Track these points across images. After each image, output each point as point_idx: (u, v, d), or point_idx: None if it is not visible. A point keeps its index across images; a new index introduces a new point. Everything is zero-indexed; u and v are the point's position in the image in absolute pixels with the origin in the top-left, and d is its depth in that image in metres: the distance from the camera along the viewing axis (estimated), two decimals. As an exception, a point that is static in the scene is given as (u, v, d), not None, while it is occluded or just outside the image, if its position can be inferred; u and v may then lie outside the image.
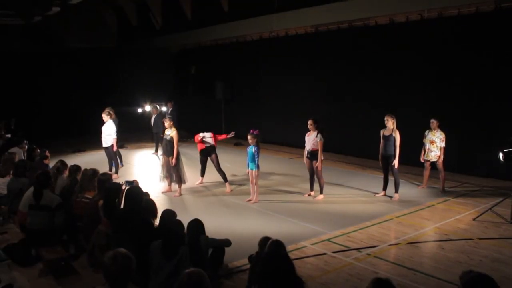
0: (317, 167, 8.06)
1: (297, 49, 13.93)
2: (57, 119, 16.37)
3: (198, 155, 9.34)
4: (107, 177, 5.62)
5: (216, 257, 4.92)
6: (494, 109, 9.53)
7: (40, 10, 14.07)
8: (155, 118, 13.25)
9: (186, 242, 4.24)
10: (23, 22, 15.56)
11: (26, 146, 8.85)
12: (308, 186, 8.57)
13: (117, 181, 5.91)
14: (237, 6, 15.61)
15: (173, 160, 8.39)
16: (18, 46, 16.87)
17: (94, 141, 12.23)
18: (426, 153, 8.61)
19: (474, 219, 6.97)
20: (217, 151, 9.22)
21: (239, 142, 14.87)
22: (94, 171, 5.70)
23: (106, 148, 10.12)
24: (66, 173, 6.45)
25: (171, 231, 4.04)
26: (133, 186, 5.46)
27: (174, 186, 8.74)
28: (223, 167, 9.23)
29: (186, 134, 15.43)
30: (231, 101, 16.32)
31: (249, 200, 8.14)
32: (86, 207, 5.27)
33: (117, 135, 10.08)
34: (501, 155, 6.81)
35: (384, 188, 8.45)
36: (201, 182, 9.48)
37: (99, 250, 4.40)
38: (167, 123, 8.66)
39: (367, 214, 7.38)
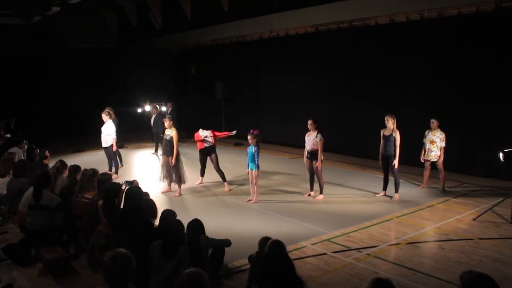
0: (317, 167, 8.06)
1: (297, 49, 13.92)
2: (57, 119, 16.37)
3: (198, 154, 9.33)
4: (107, 177, 5.62)
5: (216, 257, 4.92)
6: (494, 109, 9.53)
7: (40, 10, 14.08)
8: (155, 118, 13.25)
9: (186, 242, 4.23)
10: (23, 22, 15.57)
11: (26, 146, 8.85)
12: (308, 186, 8.57)
13: (117, 181, 5.91)
14: (237, 6, 15.61)
15: (173, 160, 8.39)
16: (18, 46, 16.87)
17: (94, 141, 12.23)
18: (426, 153, 8.60)
19: (474, 219, 6.97)
20: (217, 151, 9.22)
21: (239, 142, 14.87)
22: (93, 171, 5.70)
23: (105, 148, 10.11)
24: (66, 173, 6.45)
25: (171, 231, 4.04)
26: (133, 186, 5.46)
27: (174, 186, 8.73)
28: (223, 167, 9.22)
29: (186, 134, 15.42)
30: (231, 101, 16.32)
31: (249, 200, 8.14)
32: (85, 207, 5.27)
33: (116, 135, 10.08)
34: (501, 155, 6.80)
35: (384, 188, 8.44)
36: (201, 182, 9.47)
37: (99, 250, 4.40)
38: (167, 123, 8.66)
39: (367, 214, 7.37)
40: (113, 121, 10.24)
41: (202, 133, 9.02)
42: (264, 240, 4.01)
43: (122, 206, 4.85)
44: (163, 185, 8.98)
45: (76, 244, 5.21)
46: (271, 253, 3.61)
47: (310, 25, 13.37)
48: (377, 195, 8.49)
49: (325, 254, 5.66)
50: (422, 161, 8.73)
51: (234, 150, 13.85)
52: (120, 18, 21.58)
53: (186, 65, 18.88)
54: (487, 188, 8.96)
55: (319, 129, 8.05)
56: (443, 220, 7.00)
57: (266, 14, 14.39)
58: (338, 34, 12.68)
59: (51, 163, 7.46)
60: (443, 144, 8.43)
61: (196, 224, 4.80)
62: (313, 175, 8.35)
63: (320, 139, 7.97)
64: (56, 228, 5.23)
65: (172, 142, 8.40)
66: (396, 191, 8.22)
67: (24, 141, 9.13)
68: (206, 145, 9.05)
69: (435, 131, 8.47)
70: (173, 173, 8.60)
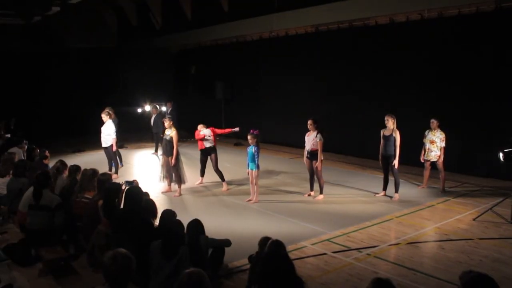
0: (317, 167, 8.06)
1: (297, 49, 13.92)
2: (57, 119, 16.36)
3: (198, 154, 9.33)
4: (106, 177, 5.62)
5: (216, 257, 4.92)
6: (494, 109, 9.53)
7: (40, 10, 14.08)
8: (155, 118, 13.25)
9: (186, 242, 4.23)
10: (23, 22, 15.56)
11: (26, 146, 8.85)
12: (308, 186, 8.56)
13: (117, 181, 5.91)
14: (237, 6, 15.60)
15: (173, 160, 8.39)
16: (18, 46, 16.87)
17: (94, 141, 12.22)
18: (426, 153, 8.60)
19: (474, 219, 6.97)
20: (217, 151, 9.21)
21: (239, 142, 14.87)
22: (93, 171, 5.70)
23: (105, 148, 10.11)
24: (66, 173, 6.45)
25: (171, 231, 4.04)
26: (133, 186, 5.46)
27: (174, 186, 8.73)
28: (223, 167, 9.22)
29: (186, 134, 15.42)
30: (231, 101, 16.32)
31: (249, 200, 8.14)
32: (85, 207, 5.27)
33: (116, 135, 10.07)
34: (501, 155, 6.80)
35: (384, 188, 8.44)
36: (201, 182, 9.47)
37: (99, 250, 4.39)
38: (167, 123, 8.66)
39: (367, 214, 7.37)
40: (113, 121, 10.24)
41: (203, 131, 9.00)
42: (264, 240, 4.01)
43: (122, 206, 4.85)
44: (163, 185, 8.98)
45: (76, 244, 5.21)
46: (271, 253, 3.61)
47: (310, 25, 13.36)
48: (377, 195, 8.49)
49: (325, 254, 5.66)
50: (422, 161, 8.73)
51: (234, 150, 13.85)
52: (120, 18, 21.57)
53: (186, 65, 18.88)
54: (487, 188, 8.95)
55: (319, 129, 8.05)
56: (443, 220, 7.00)
57: (266, 14, 14.39)
58: (338, 34, 12.68)
59: (51, 163, 7.46)
60: (443, 144, 8.43)
61: (196, 224, 4.80)
62: (313, 175, 8.35)
63: (320, 139, 7.97)
64: (56, 228, 5.23)
65: (172, 142, 8.40)
66: (396, 191, 8.22)
67: (24, 141, 9.13)
68: (206, 145, 9.05)
69: (435, 131, 8.47)
70: (173, 173, 8.60)
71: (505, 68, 9.28)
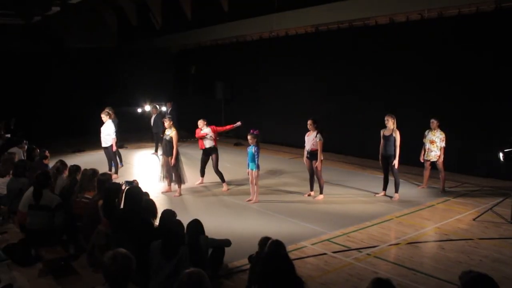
0: (316, 167, 8.06)
1: (297, 49, 13.92)
2: (57, 119, 16.36)
3: (198, 154, 9.32)
4: (107, 177, 5.62)
5: (216, 257, 4.92)
6: (494, 109, 9.53)
7: (40, 10, 14.09)
8: (155, 118, 13.25)
9: (186, 242, 4.23)
10: (23, 22, 15.58)
11: (26, 146, 8.85)
12: (308, 186, 8.56)
13: (117, 181, 5.91)
14: (237, 6, 15.60)
15: (172, 160, 8.38)
16: (18, 46, 16.87)
17: (94, 141, 12.22)
18: (426, 153, 8.60)
19: (474, 219, 6.97)
20: (218, 151, 9.21)
21: (239, 142, 14.88)
22: (93, 171, 5.70)
23: (105, 148, 10.10)
24: (66, 173, 6.44)
25: (171, 231, 4.04)
26: (133, 186, 5.46)
27: (174, 186, 8.73)
28: (222, 167, 9.22)
29: (186, 134, 15.42)
30: (231, 101, 16.32)
31: (249, 200, 8.14)
32: (85, 207, 5.27)
33: (116, 135, 10.06)
34: (501, 155, 6.80)
35: (384, 188, 8.44)
36: (201, 182, 9.47)
37: (99, 250, 4.39)
38: (167, 123, 8.66)
39: (367, 214, 7.37)
40: (113, 121, 10.23)
41: (204, 130, 8.97)
42: (264, 240, 4.01)
43: (122, 206, 4.85)
44: (163, 185, 8.97)
45: (76, 244, 5.21)
46: (271, 253, 3.61)
47: (310, 25, 13.36)
48: (377, 195, 8.49)
49: (325, 254, 5.66)
50: (422, 161, 8.73)
51: (234, 150, 13.85)
52: (120, 18, 21.57)
53: (186, 65, 18.88)
54: (487, 188, 8.96)
55: (319, 129, 8.05)
56: (443, 220, 7.00)
57: (266, 14, 14.39)
58: (338, 34, 12.68)
59: (51, 163, 7.45)
60: (443, 144, 8.43)
61: (196, 224, 4.80)
62: (313, 175, 8.35)
63: (319, 139, 7.96)
64: (56, 228, 5.23)
65: (172, 142, 8.40)
66: (396, 191, 8.22)
67: (24, 141, 9.13)
68: (206, 145, 9.04)
69: (435, 131, 8.47)
70: (173, 173, 8.59)
71: (505, 68, 9.28)
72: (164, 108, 15.50)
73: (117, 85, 17.64)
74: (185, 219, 4.58)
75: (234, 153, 13.12)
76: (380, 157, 8.29)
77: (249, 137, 7.86)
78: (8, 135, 11.69)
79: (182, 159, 8.92)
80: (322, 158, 8.03)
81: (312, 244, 5.99)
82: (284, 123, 14.34)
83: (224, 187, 9.02)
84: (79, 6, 14.53)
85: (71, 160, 9.71)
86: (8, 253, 4.61)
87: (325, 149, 8.23)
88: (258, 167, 7.90)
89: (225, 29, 16.15)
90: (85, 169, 5.88)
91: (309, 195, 8.48)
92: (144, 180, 8.93)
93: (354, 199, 8.36)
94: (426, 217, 7.20)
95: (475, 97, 9.83)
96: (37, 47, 17.26)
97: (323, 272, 5.12)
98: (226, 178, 9.15)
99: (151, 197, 5.40)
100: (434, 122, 8.48)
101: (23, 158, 8.07)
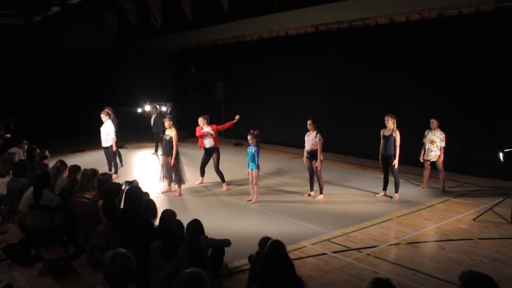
0: (316, 167, 8.06)
1: (297, 49, 13.92)
2: (57, 119, 16.36)
3: (198, 154, 9.31)
4: (107, 177, 5.61)
5: (216, 257, 4.92)
6: (494, 109, 9.53)
7: (40, 10, 14.09)
8: (155, 118, 13.24)
9: (186, 242, 4.23)
10: (23, 22, 15.58)
11: (26, 146, 8.85)
12: (308, 186, 8.56)
13: (117, 181, 5.90)
14: (237, 6, 15.60)
15: (172, 161, 8.38)
16: (18, 46, 16.87)
17: (94, 141, 12.22)
18: (426, 153, 8.60)
19: (474, 219, 6.97)
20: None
21: (239, 142, 14.88)
22: (93, 171, 5.70)
23: (106, 148, 10.09)
24: (66, 173, 6.44)
25: (171, 231, 4.04)
26: (133, 186, 5.45)
27: (174, 186, 8.73)
28: (222, 167, 9.22)
29: (186, 134, 15.42)
30: (231, 101, 16.33)
31: (249, 200, 8.14)
32: (85, 207, 5.27)
33: (116, 135, 10.04)
34: (501, 155, 6.80)
35: (384, 188, 8.44)
36: (201, 182, 9.47)
37: (99, 250, 4.39)
38: (167, 123, 8.65)
39: (367, 214, 7.37)
40: (112, 121, 10.21)
41: (205, 128, 8.95)
42: (264, 240, 4.01)
43: (122, 206, 4.85)
44: (163, 185, 8.97)
45: (76, 244, 5.21)
46: (271, 253, 3.61)
47: (310, 25, 13.37)
48: (377, 195, 8.49)
49: (325, 254, 5.66)
50: (422, 161, 8.73)
51: (234, 150, 13.85)
52: (120, 18, 21.57)
53: (186, 65, 18.88)
54: (487, 188, 8.96)
55: (319, 129, 8.05)
56: (443, 220, 7.00)
57: (266, 14, 14.39)
58: (338, 34, 12.68)
59: (51, 163, 7.45)
60: (443, 144, 8.43)
61: (196, 224, 4.80)
62: (312, 175, 8.34)
63: (319, 139, 7.96)
64: (56, 228, 5.23)
65: (172, 142, 8.39)
66: (396, 191, 8.22)
67: (24, 141, 9.12)
68: (206, 145, 9.03)
69: (435, 131, 8.48)
70: (173, 173, 8.59)
71: (505, 68, 9.28)
72: (164, 108, 15.49)
73: (117, 85, 17.63)
74: (185, 219, 4.58)
75: (234, 153, 13.11)
76: (380, 157, 8.29)
77: (249, 137, 7.86)
78: (8, 135, 11.69)
79: (182, 159, 8.92)
80: (322, 158, 8.03)
81: (312, 244, 5.99)
82: (284, 123, 14.34)
83: (224, 187, 9.02)
84: (79, 6, 14.53)
85: (71, 160, 9.71)
86: (8, 253, 4.61)
87: (325, 149, 8.23)
88: (258, 167, 7.90)
89: (225, 29, 16.15)
90: (85, 169, 5.88)
91: (309, 195, 8.48)
92: (144, 180, 8.93)
93: (354, 199, 8.36)
94: (426, 217, 7.20)
95: (475, 97, 9.83)
96: (37, 47, 17.26)
97: (323, 272, 5.12)
98: (226, 178, 9.15)
99: (151, 197, 5.40)
100: (434, 122, 8.48)
101: (23, 158, 8.07)
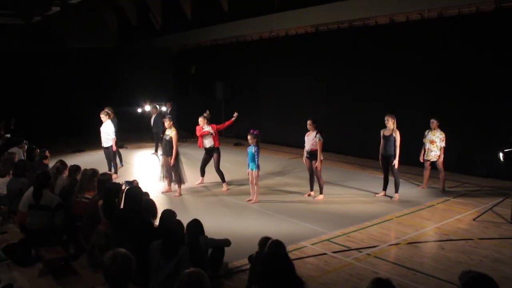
0: (316, 167, 8.06)
1: (297, 49, 13.92)
2: (57, 119, 16.36)
3: (198, 154, 9.31)
4: (107, 177, 5.62)
5: (216, 257, 4.92)
6: (494, 109, 9.53)
7: (40, 10, 14.09)
8: (155, 118, 13.24)
9: (186, 242, 4.23)
10: (23, 22, 15.58)
11: (26, 146, 8.85)
12: (308, 186, 8.56)
13: (117, 181, 5.90)
14: (237, 6, 15.60)
15: (172, 161, 8.38)
16: (18, 46, 16.87)
17: (94, 141, 12.23)
18: (426, 153, 8.60)
19: (474, 219, 6.97)
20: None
21: (239, 142, 14.88)
22: (93, 171, 5.70)
23: (106, 148, 10.09)
24: (66, 173, 6.45)
25: (171, 231, 4.04)
26: (133, 186, 5.45)
27: (174, 186, 8.73)
28: (223, 167, 9.22)
29: (186, 134, 15.42)
30: (231, 101, 16.32)
31: (249, 200, 8.14)
32: (85, 207, 5.27)
33: (116, 135, 10.02)
34: (501, 155, 6.80)
35: (384, 188, 8.44)
36: (201, 182, 9.47)
37: (99, 250, 4.39)
38: (167, 123, 8.65)
39: (367, 214, 7.37)
40: (112, 121, 10.19)
41: (206, 128, 8.95)
42: (264, 240, 4.01)
43: (122, 206, 4.85)
44: (163, 185, 8.97)
45: (76, 244, 5.21)
46: (271, 253, 3.61)
47: (310, 25, 13.37)
48: (377, 195, 8.49)
49: (325, 254, 5.66)
50: (422, 161, 8.73)
51: (234, 150, 13.85)
52: (120, 18, 21.58)
53: (186, 65, 18.88)
54: (487, 188, 8.96)
55: (319, 129, 8.05)
56: (443, 220, 7.00)
57: (266, 14, 14.39)
58: (338, 34, 12.68)
59: (51, 163, 7.46)
60: (443, 144, 8.43)
61: (196, 224, 4.80)
62: (312, 175, 8.34)
63: (319, 139, 7.96)
64: (56, 228, 5.23)
65: (172, 142, 8.39)
66: (396, 191, 8.22)
67: (24, 141, 9.13)
68: (206, 145, 9.03)
69: (435, 131, 8.48)
70: (173, 173, 8.59)
71: (505, 68, 9.28)
72: (164, 108, 15.49)
73: (117, 85, 17.64)
74: (185, 219, 4.58)
75: (234, 153, 13.12)
76: (380, 157, 8.29)
77: (249, 137, 7.86)
78: (8, 135, 11.69)
79: (182, 159, 8.92)
80: (322, 158, 8.03)
81: (312, 244, 5.99)
82: (284, 123, 14.34)
83: (224, 187, 9.02)
84: (79, 6, 14.53)
85: (71, 160, 9.71)
86: (8, 253, 4.61)
87: (325, 149, 8.23)
88: (258, 167, 7.90)
89: (225, 29, 16.15)
90: (85, 169, 5.88)
91: (309, 195, 8.48)
92: (144, 180, 8.93)
93: (354, 199, 8.36)
94: (426, 217, 7.20)
95: (475, 97, 9.83)
96: (37, 47, 17.27)
97: (323, 272, 5.12)
98: (226, 178, 9.15)
99: (151, 197, 5.40)
100: (434, 122, 8.48)
101: (23, 158, 8.07)
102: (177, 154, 8.48)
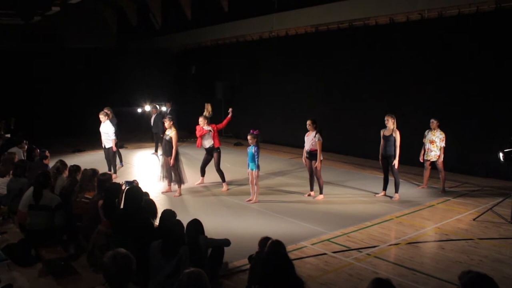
0: (316, 167, 8.06)
1: (297, 49, 13.93)
2: (57, 119, 16.37)
3: (198, 154, 9.31)
4: (107, 177, 5.61)
5: (216, 257, 4.91)
6: (494, 109, 9.53)
7: (40, 10, 14.09)
8: (155, 118, 13.23)
9: (185, 242, 4.23)
10: (23, 22, 15.58)
11: (26, 146, 8.85)
12: (308, 186, 8.56)
13: (116, 181, 5.90)
14: (237, 6, 15.62)
15: (171, 161, 8.38)
16: (18, 46, 16.88)
17: (94, 141, 12.24)
18: (426, 153, 8.60)
19: (474, 219, 6.97)
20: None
21: (239, 142, 14.88)
22: (93, 171, 5.71)
23: (106, 149, 10.07)
24: (66, 173, 6.45)
25: (171, 231, 4.03)
26: (133, 186, 5.45)
27: (174, 186, 8.73)
28: (223, 167, 9.22)
29: (186, 134, 15.42)
30: (231, 101, 16.32)
31: (249, 200, 8.14)
32: (85, 207, 5.27)
33: (116, 136, 9.98)
34: (501, 155, 6.80)
35: (384, 188, 8.44)
36: (201, 182, 9.47)
37: (99, 250, 4.40)
38: (167, 123, 8.64)
39: (367, 214, 7.37)
40: (111, 121, 10.16)
41: (205, 127, 8.95)
42: (264, 240, 4.01)
43: (122, 206, 4.85)
44: (163, 185, 8.97)
45: (76, 244, 5.21)
46: (271, 253, 3.61)
47: (310, 25, 13.37)
48: (377, 195, 8.49)
49: (325, 254, 5.66)
50: (422, 161, 8.73)
51: (234, 150, 13.85)
52: (120, 18, 21.60)
53: (186, 65, 18.88)
54: (487, 188, 8.95)
55: (318, 129, 8.05)
56: (443, 220, 7.00)
57: (266, 14, 14.40)
58: (338, 34, 12.68)
59: (51, 163, 7.46)
60: (443, 144, 8.43)
61: (196, 224, 4.79)
62: (312, 175, 8.34)
63: (318, 139, 7.96)
64: (56, 228, 5.24)
65: (171, 142, 8.39)
66: (396, 191, 8.22)
67: (24, 141, 9.12)
68: (206, 145, 9.03)
69: (435, 131, 8.48)
70: (173, 173, 8.59)
71: (505, 68, 9.28)
72: (164, 108, 15.49)
73: (117, 85, 17.64)
74: (185, 219, 4.58)
75: (234, 153, 13.12)
76: (380, 157, 8.29)
77: (249, 137, 7.86)
78: (8, 135, 11.69)
79: (182, 159, 8.91)
80: (321, 158, 8.03)
81: (312, 244, 5.99)
82: (284, 123, 14.34)
83: (224, 187, 9.02)
84: (79, 6, 14.55)
85: (71, 160, 9.71)
86: (8, 253, 4.62)
87: (325, 149, 8.23)
88: (258, 167, 7.90)
89: (225, 29, 16.16)
90: (85, 169, 5.89)
91: (309, 195, 8.48)
92: (144, 180, 8.93)
93: (354, 199, 8.36)
94: (426, 217, 7.20)
95: (475, 97, 9.83)
96: (37, 47, 17.28)
97: (323, 272, 5.12)
98: (226, 178, 9.15)
99: (151, 197, 5.41)
100: (434, 122, 8.48)
101: (23, 158, 8.07)
102: (177, 154, 8.47)
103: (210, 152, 9.09)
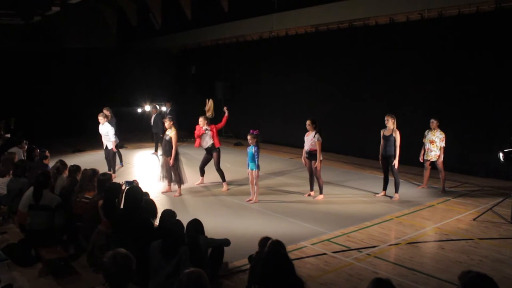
0: (316, 167, 8.06)
1: (297, 49, 13.93)
2: (57, 119, 16.38)
3: (198, 154, 9.31)
4: (107, 177, 5.62)
5: (216, 257, 4.91)
6: (494, 109, 9.53)
7: (40, 10, 14.10)
8: (154, 118, 13.23)
9: (185, 242, 4.23)
10: (23, 22, 15.58)
11: (26, 146, 8.85)
12: (308, 186, 8.56)
13: (116, 181, 5.91)
14: (237, 6, 15.61)
15: (171, 161, 8.37)
16: (18, 46, 16.88)
17: (93, 141, 12.24)
18: (426, 153, 8.60)
19: (474, 219, 6.97)
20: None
21: (239, 142, 14.88)
22: (93, 171, 5.71)
23: (106, 149, 10.06)
24: (66, 173, 6.45)
25: (171, 231, 4.04)
26: (133, 186, 5.46)
27: (174, 186, 8.73)
28: (223, 167, 9.22)
29: (186, 134, 15.41)
30: (231, 101, 16.32)
31: (249, 200, 8.13)
32: (85, 207, 5.28)
33: (116, 136, 9.95)
34: (501, 155, 6.80)
35: (384, 188, 8.44)
36: (201, 182, 9.47)
37: (99, 250, 4.40)
38: (167, 123, 8.64)
39: (367, 214, 7.37)
40: (110, 122, 10.13)
41: (205, 127, 8.95)
42: (264, 240, 4.01)
43: (122, 206, 4.85)
44: (163, 185, 8.97)
45: (76, 244, 5.21)
46: (271, 253, 3.61)
47: (310, 25, 13.37)
48: (377, 195, 8.49)
49: (325, 254, 5.66)
50: (421, 161, 8.73)
51: (234, 150, 13.85)
52: (120, 18, 21.60)
53: (186, 65, 18.88)
54: (487, 188, 8.96)
55: (318, 129, 8.05)
56: (443, 220, 7.00)
57: (266, 14, 14.40)
58: (338, 34, 12.67)
59: (51, 163, 7.46)
60: (443, 144, 8.44)
61: (196, 224, 4.79)
62: (312, 175, 8.34)
63: (318, 139, 7.96)
64: (56, 228, 5.24)
65: (171, 142, 8.39)
66: (396, 191, 8.22)
67: (24, 141, 9.12)
68: (205, 146, 9.03)
69: (435, 131, 8.48)
70: (173, 173, 8.59)
71: (505, 68, 9.28)
72: (164, 108, 15.49)
73: (117, 85, 17.64)
74: (185, 219, 4.58)
75: (234, 153, 13.12)
76: (380, 157, 8.29)
77: (249, 137, 7.86)
78: (8, 135, 11.69)
79: (182, 159, 8.91)
80: (321, 158, 8.02)
81: (312, 244, 5.99)
82: (284, 123, 14.34)
83: (224, 187, 9.02)
84: (79, 6, 14.55)
85: (71, 160, 9.71)
86: (8, 253, 4.62)
87: (325, 149, 8.23)
88: (258, 167, 7.90)
89: (225, 29, 16.16)
90: (85, 169, 5.89)
91: (309, 195, 8.48)
92: (144, 180, 8.93)
93: (354, 199, 8.36)
94: (426, 217, 7.20)
95: (474, 97, 9.83)
96: (37, 47, 17.28)
97: (323, 272, 5.12)
98: (226, 178, 9.15)
99: (151, 197, 5.41)
100: (434, 122, 8.48)
101: (23, 158, 8.07)
102: (177, 154, 8.47)
103: (209, 151, 9.10)
